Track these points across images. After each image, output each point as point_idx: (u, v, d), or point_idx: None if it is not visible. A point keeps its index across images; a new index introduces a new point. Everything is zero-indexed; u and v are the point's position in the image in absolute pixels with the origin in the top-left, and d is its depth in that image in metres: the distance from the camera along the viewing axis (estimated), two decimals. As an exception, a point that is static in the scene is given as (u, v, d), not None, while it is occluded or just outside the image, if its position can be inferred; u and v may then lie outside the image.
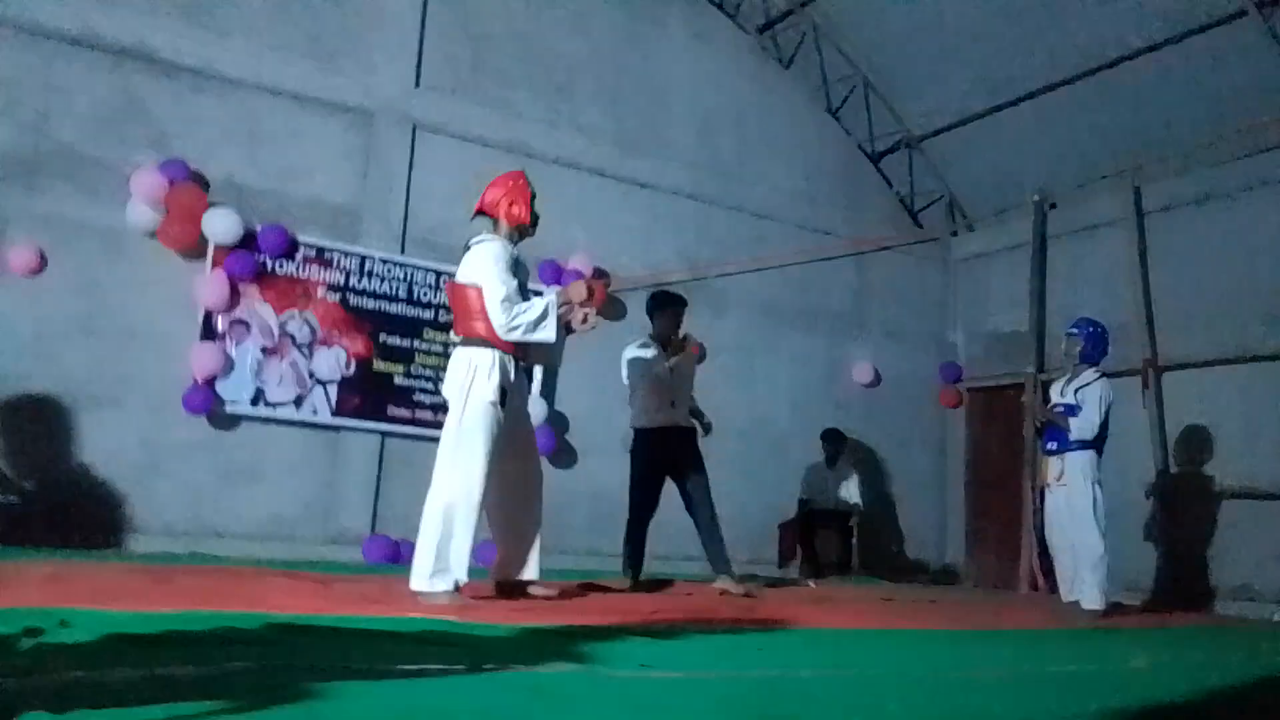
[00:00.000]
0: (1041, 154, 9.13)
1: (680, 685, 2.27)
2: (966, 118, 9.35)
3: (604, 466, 7.65)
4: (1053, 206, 9.28)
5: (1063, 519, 5.90)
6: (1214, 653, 3.99)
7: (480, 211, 4.35)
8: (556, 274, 7.72)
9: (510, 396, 4.16)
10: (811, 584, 7.25)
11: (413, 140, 7.53)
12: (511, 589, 4.40)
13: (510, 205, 4.26)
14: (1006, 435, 9.34)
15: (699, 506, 5.81)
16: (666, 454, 5.80)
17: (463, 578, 3.98)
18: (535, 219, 4.38)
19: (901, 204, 10.32)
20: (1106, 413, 5.81)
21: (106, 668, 1.93)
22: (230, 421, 6.66)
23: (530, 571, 4.43)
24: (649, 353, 5.89)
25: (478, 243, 4.24)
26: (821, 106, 9.89)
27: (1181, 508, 7.81)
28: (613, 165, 8.40)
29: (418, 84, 7.61)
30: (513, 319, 4.02)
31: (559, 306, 4.16)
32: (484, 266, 4.09)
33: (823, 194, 9.75)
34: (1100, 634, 4.70)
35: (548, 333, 4.08)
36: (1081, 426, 5.74)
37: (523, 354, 4.27)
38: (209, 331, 6.58)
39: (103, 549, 5.90)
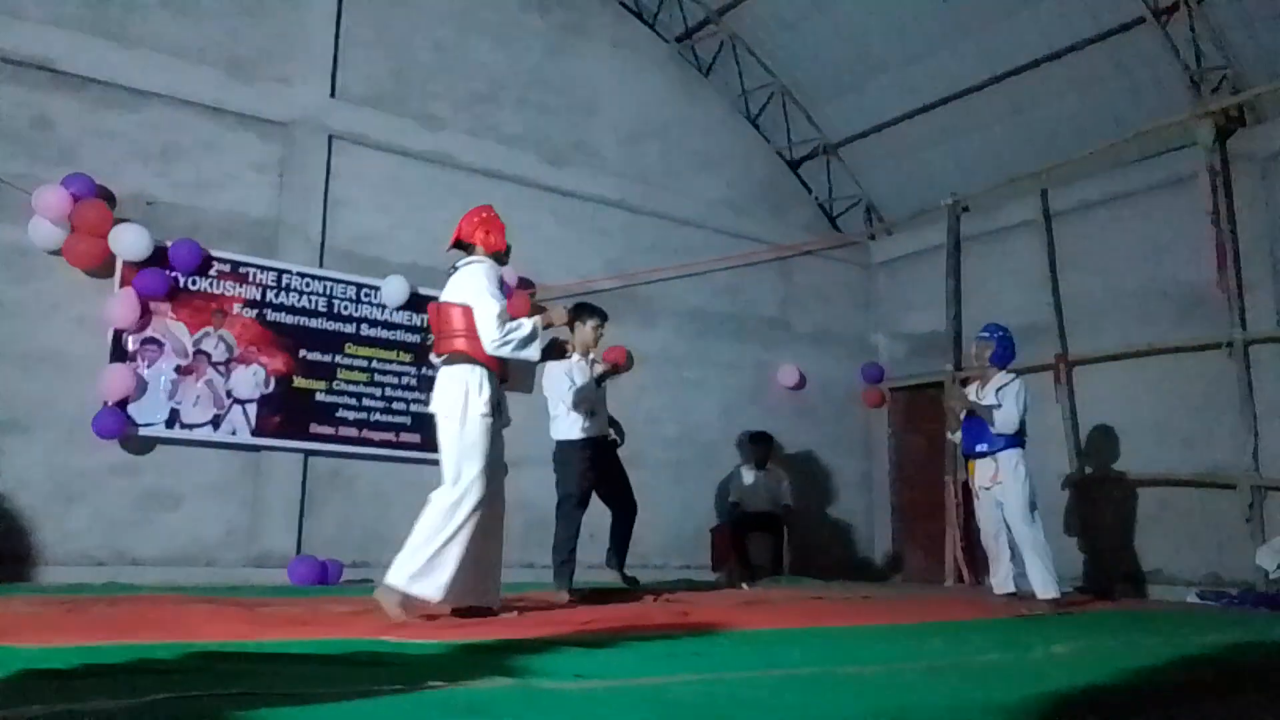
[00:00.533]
0: (954, 159, 9.41)
1: (616, 694, 2.27)
2: (881, 124, 9.59)
3: (533, 479, 7.59)
4: (966, 209, 9.56)
5: (996, 521, 5.96)
6: (1131, 637, 4.14)
7: (457, 242, 4.46)
8: (482, 285, 7.66)
9: (502, 411, 4.27)
10: (745, 587, 7.31)
11: (329, 152, 7.41)
12: (468, 614, 4.24)
13: (487, 234, 4.40)
14: (928, 433, 9.58)
15: (631, 512, 5.97)
16: (602, 463, 5.88)
17: (435, 598, 3.92)
18: (508, 249, 4.51)
19: (821, 209, 10.53)
20: (1025, 408, 5.96)
21: (21, 705, 1.84)
22: (145, 445, 6.45)
23: (495, 599, 4.35)
24: (576, 365, 5.87)
25: (465, 264, 4.34)
26: (741, 115, 10.04)
27: (1097, 498, 8.11)
28: (537, 175, 8.39)
29: (333, 94, 7.49)
30: (505, 334, 4.10)
31: (543, 324, 4.27)
32: (475, 285, 4.19)
33: (745, 201, 9.89)
34: (1020, 623, 4.84)
35: (533, 351, 4.20)
36: (1004, 420, 5.86)
37: (504, 375, 4.32)
38: (119, 352, 6.37)
39: (14, 582, 5.66)
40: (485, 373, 4.17)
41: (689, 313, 9.17)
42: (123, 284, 6.36)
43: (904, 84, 9.09)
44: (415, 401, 7.48)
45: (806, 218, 10.40)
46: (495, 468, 4.25)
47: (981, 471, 6.04)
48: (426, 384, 7.49)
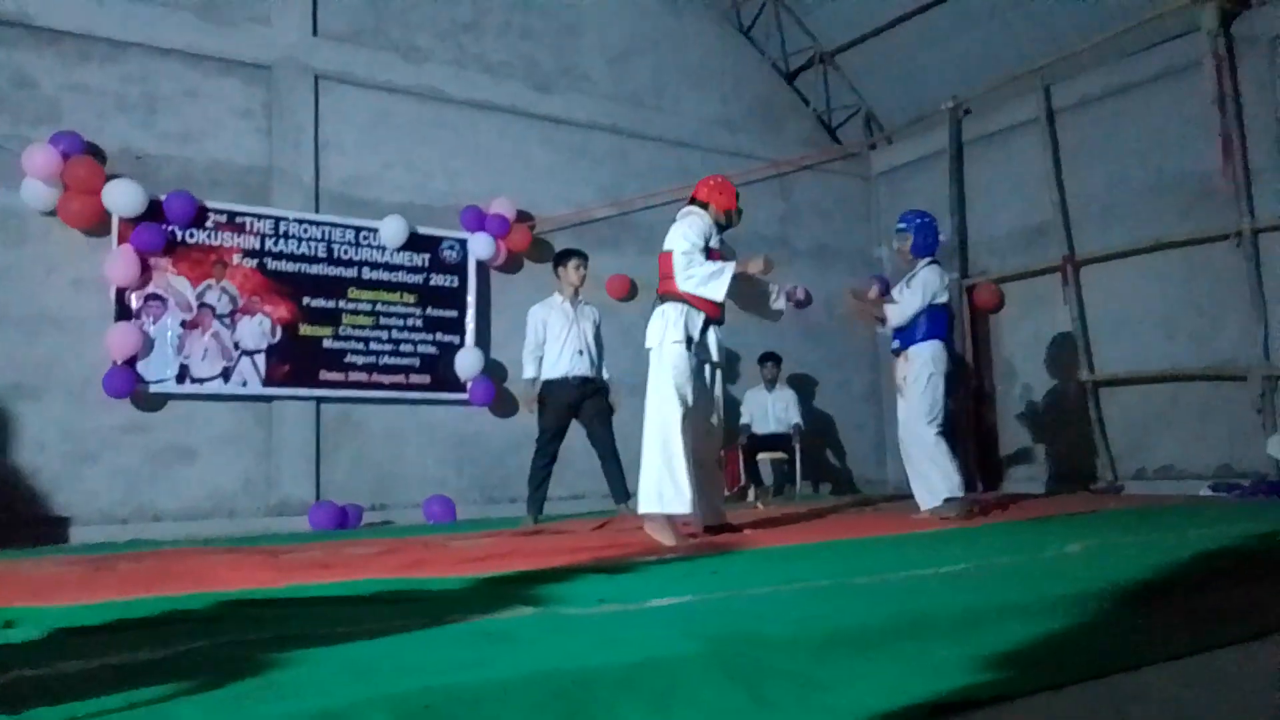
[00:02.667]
0: (953, 60, 9.19)
1: (637, 616, 2.31)
2: (878, 28, 9.34)
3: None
4: (967, 112, 9.39)
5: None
6: (1143, 533, 4.18)
7: (694, 200, 4.89)
8: (479, 219, 7.60)
9: (697, 346, 4.62)
10: (759, 506, 7.39)
11: (316, 92, 7.28)
12: (719, 529, 4.80)
13: (720, 194, 4.87)
14: (937, 342, 9.56)
15: (604, 455, 6.18)
16: (577, 405, 6.13)
17: (685, 508, 4.32)
18: (740, 212, 4.98)
19: (819, 121, 10.34)
20: (933, 298, 5.47)
21: (57, 662, 1.88)
22: (156, 401, 6.49)
23: (723, 514, 4.94)
24: (559, 307, 6.19)
25: (683, 215, 4.81)
26: (733, 28, 9.80)
27: (1107, 396, 8.13)
28: (526, 103, 8.24)
29: (315, 32, 7.33)
30: (688, 271, 4.52)
31: (736, 270, 4.61)
32: (678, 231, 4.66)
33: (741, 118, 9.71)
34: (1033, 525, 4.89)
35: (714, 290, 4.55)
36: (897, 313, 5.49)
37: (716, 314, 4.72)
38: (123, 310, 6.37)
39: (39, 545, 5.74)
40: (687, 310, 4.57)
41: (690, 236, 9.08)
42: (120, 241, 6.33)
43: (897, -15, 8.84)
44: (422, 343, 7.48)
45: (805, 131, 10.22)
46: (699, 397, 4.61)
47: (899, 371, 5.63)
48: (432, 324, 7.53)
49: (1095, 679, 1.60)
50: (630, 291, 8.47)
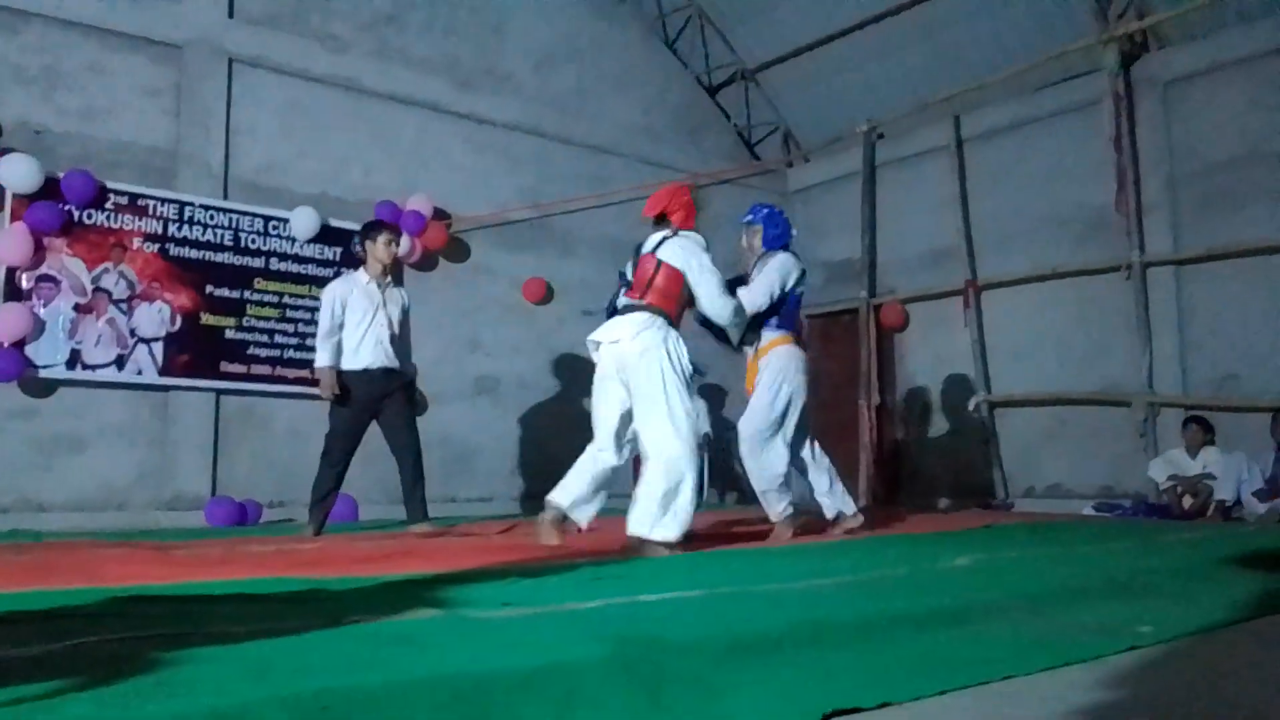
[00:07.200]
0: (870, 85, 9.46)
1: (542, 619, 2.32)
2: (799, 48, 9.56)
3: (455, 413, 7.60)
4: (881, 136, 9.66)
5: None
6: (1029, 548, 4.38)
7: (659, 215, 4.84)
8: (394, 214, 7.49)
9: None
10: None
11: (229, 75, 7.07)
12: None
13: (686, 217, 4.84)
14: (844, 359, 9.81)
15: (410, 456, 5.57)
16: (379, 400, 5.47)
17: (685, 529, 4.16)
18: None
19: (739, 136, 10.51)
20: (786, 289, 5.07)
21: (-69, 656, 1.79)
22: (45, 387, 6.20)
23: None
24: (364, 286, 5.48)
25: (683, 235, 4.81)
26: (659, 39, 9.89)
27: (1002, 417, 8.46)
28: (448, 100, 8.16)
29: (230, 14, 7.12)
30: (737, 317, 4.86)
31: None
32: (700, 261, 4.76)
33: (663, 128, 9.80)
34: (930, 538, 5.06)
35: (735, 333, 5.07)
36: (750, 297, 5.02)
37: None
38: (13, 291, 6.08)
39: (-92, 532, 5.44)
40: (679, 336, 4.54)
41: (608, 242, 9.11)
42: (13, 218, 6.04)
43: (820, 7, 9.06)
44: (330, 336, 7.32)
45: (725, 145, 10.37)
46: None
47: (751, 375, 5.23)
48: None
49: (980, 685, 1.67)
50: (546, 295, 8.46)
